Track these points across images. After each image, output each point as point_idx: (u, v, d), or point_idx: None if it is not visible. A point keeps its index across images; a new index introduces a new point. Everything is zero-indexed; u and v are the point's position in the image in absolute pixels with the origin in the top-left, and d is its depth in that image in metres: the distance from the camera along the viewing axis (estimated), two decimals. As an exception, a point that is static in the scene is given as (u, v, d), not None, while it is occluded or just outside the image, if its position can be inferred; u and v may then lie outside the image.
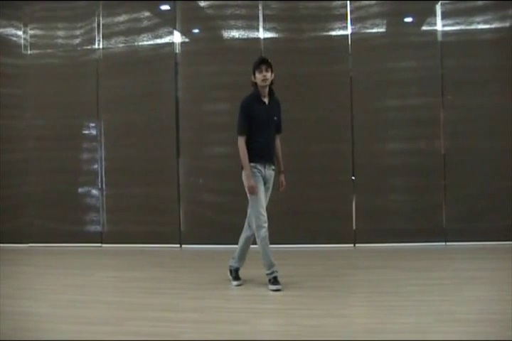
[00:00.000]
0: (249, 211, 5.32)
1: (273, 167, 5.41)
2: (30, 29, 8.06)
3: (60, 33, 7.99)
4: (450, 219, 7.27)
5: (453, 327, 3.93)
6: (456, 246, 7.14)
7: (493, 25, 7.37)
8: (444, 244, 7.24)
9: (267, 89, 5.30)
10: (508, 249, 6.79)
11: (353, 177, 7.38)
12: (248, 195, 5.22)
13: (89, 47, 7.92)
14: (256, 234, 5.23)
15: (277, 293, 5.04)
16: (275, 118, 5.39)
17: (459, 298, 4.67)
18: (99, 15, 7.88)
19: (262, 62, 5.22)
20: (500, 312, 4.21)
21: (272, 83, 5.31)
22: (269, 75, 5.22)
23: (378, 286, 5.18)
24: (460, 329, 3.86)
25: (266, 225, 5.17)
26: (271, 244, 7.43)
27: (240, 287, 5.32)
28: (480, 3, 7.32)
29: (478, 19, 7.35)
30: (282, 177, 5.54)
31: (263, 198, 5.25)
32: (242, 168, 5.24)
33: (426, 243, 7.16)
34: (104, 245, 7.83)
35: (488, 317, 4.12)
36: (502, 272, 5.57)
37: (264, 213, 5.18)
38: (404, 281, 5.31)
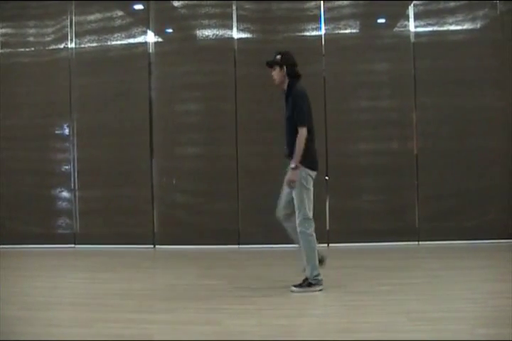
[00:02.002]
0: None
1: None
2: (1, 27, 7.96)
3: (32, 31, 7.90)
4: (422, 218, 7.34)
5: (424, 325, 3.95)
6: (429, 245, 7.21)
7: (464, 27, 7.46)
8: (416, 243, 7.30)
9: (283, 86, 5.10)
10: (479, 248, 6.90)
11: (327, 178, 7.40)
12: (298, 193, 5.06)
13: (61, 46, 7.84)
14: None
15: (248, 293, 5.03)
16: (288, 114, 5.16)
17: (431, 297, 4.71)
18: (71, 14, 7.80)
19: (266, 64, 5.09)
20: (471, 311, 4.28)
21: (291, 76, 5.06)
22: (275, 74, 5.07)
23: (350, 286, 5.20)
24: (431, 327, 3.89)
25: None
26: (244, 244, 7.50)
27: (211, 288, 5.28)
28: (451, 5, 7.40)
29: (449, 21, 7.44)
30: None
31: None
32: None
33: (399, 242, 7.22)
34: (77, 246, 7.76)
35: (459, 315, 4.17)
36: (473, 271, 5.66)
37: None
38: (377, 281, 5.34)
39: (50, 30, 7.86)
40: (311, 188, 5.09)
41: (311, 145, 5.11)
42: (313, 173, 5.13)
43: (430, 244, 7.23)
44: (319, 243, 7.28)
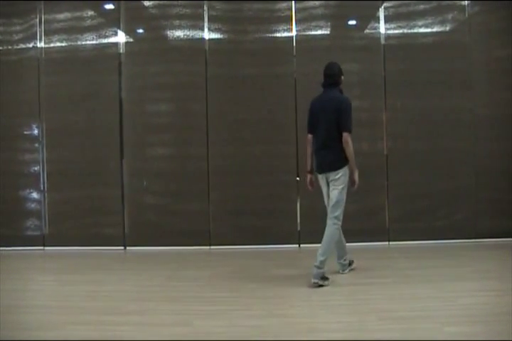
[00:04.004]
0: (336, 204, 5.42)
1: None
2: (-33, 26, 7.82)
3: (-1, 29, 7.78)
4: (392, 219, 7.40)
5: (394, 324, 3.99)
6: (399, 245, 7.26)
7: (433, 29, 7.54)
8: (387, 243, 7.36)
9: None
10: (447, 248, 6.97)
11: (298, 178, 7.42)
12: (342, 191, 5.41)
13: (30, 45, 7.72)
14: (338, 225, 5.46)
15: (219, 294, 5.02)
16: None
17: (400, 296, 4.76)
18: (40, 13, 7.70)
19: None
20: (440, 309, 4.33)
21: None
22: None
23: (320, 286, 5.22)
24: (401, 326, 3.94)
25: None
26: (215, 244, 7.48)
27: (181, 289, 5.25)
28: (421, 7, 7.48)
29: (419, 23, 7.51)
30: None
31: None
32: (343, 163, 5.39)
33: (369, 243, 7.25)
34: (46, 248, 7.65)
35: (429, 314, 4.21)
36: (442, 270, 5.72)
37: None
38: (346, 280, 5.39)
39: (18, 28, 7.73)
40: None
41: (313, 149, 5.58)
42: (318, 175, 5.58)
43: (400, 244, 7.29)
44: (291, 243, 7.39)
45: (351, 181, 5.44)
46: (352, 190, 5.50)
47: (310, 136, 5.59)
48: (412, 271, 5.75)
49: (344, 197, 5.43)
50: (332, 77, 5.64)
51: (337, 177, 5.37)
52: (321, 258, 5.20)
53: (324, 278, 5.20)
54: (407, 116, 7.43)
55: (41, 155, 7.72)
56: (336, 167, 5.38)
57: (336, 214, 5.41)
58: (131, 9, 7.70)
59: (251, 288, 5.23)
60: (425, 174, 7.36)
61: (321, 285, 5.13)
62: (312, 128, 5.58)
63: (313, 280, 5.14)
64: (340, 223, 5.45)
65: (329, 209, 5.45)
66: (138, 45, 7.80)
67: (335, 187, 5.41)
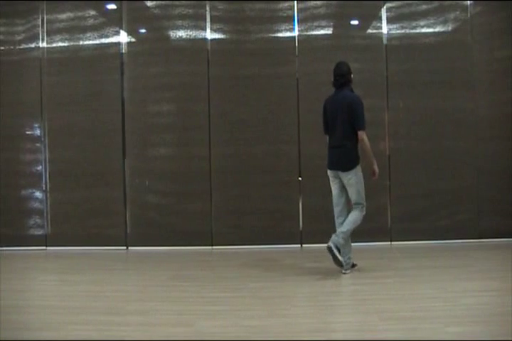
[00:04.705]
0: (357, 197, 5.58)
1: None
2: (-31, 26, 7.83)
3: (1, 29, 7.75)
4: (395, 219, 7.39)
5: (396, 324, 3.98)
6: (401, 245, 7.26)
7: (435, 29, 7.53)
8: (389, 243, 7.35)
9: None
10: (449, 248, 6.97)
11: (300, 178, 7.42)
12: (357, 184, 5.56)
13: (32, 45, 7.73)
14: (362, 213, 5.60)
15: (220, 294, 5.02)
16: None
17: (402, 296, 4.75)
18: (42, 13, 7.71)
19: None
20: (442, 309, 4.31)
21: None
22: None
23: (322, 286, 5.23)
24: (403, 326, 3.92)
25: None
26: (218, 245, 7.49)
27: (183, 289, 5.26)
28: (423, 7, 7.47)
29: (421, 23, 7.51)
30: None
31: None
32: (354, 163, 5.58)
33: (371, 243, 7.24)
34: (48, 248, 7.66)
35: (431, 314, 4.20)
36: (444, 270, 5.71)
37: None
38: (348, 280, 5.38)
39: (20, 28, 7.74)
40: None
41: (328, 147, 5.81)
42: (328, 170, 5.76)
43: (402, 244, 7.29)
44: (293, 243, 7.38)
45: (372, 172, 5.67)
46: (372, 181, 5.77)
47: (328, 136, 5.84)
48: (414, 271, 5.74)
49: (361, 186, 5.60)
50: (342, 77, 5.73)
51: (348, 177, 5.57)
52: (343, 230, 5.46)
53: (338, 248, 5.39)
54: (409, 116, 7.43)
55: (43, 155, 7.73)
56: (346, 168, 5.57)
57: (359, 201, 5.59)
58: (134, 9, 7.71)
59: (253, 288, 5.22)
60: (427, 174, 7.36)
61: (331, 251, 5.37)
62: (327, 128, 5.80)
63: (328, 244, 5.41)
64: (364, 208, 5.63)
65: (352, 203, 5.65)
66: (140, 45, 7.82)
67: (350, 186, 5.59)
